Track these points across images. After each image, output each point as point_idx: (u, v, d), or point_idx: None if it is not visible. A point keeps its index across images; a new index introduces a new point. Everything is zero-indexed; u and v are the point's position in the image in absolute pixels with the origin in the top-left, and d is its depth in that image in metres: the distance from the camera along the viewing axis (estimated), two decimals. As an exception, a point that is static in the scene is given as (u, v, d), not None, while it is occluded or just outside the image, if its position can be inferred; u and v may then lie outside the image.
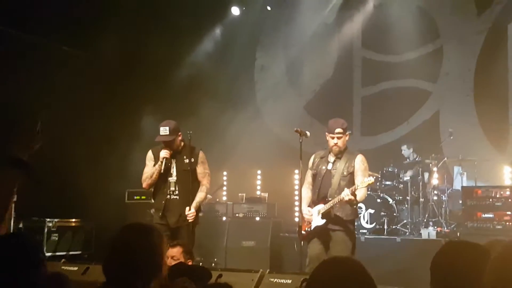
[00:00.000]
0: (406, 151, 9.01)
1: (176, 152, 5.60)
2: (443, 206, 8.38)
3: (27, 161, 2.53)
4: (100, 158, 8.58)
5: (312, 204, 5.46)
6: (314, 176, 5.52)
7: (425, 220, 8.36)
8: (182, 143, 5.67)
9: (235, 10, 10.67)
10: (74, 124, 8.50)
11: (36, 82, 8.21)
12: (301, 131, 5.63)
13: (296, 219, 9.35)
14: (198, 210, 5.60)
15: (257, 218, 8.83)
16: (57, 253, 7.77)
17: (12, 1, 8.00)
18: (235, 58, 10.68)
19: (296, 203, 9.73)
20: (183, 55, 9.90)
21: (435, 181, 8.64)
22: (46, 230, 8.04)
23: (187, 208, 5.47)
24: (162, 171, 5.50)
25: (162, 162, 5.49)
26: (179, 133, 5.60)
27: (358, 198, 5.19)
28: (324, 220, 5.26)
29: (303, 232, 5.47)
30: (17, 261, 2.09)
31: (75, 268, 4.74)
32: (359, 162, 5.34)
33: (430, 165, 8.65)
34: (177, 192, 5.56)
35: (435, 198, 8.54)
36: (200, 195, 5.57)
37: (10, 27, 8.36)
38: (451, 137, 8.52)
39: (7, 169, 2.53)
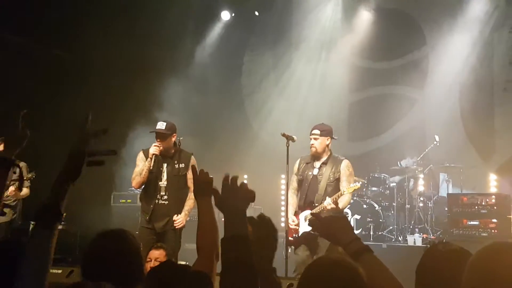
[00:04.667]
0: (408, 161, 8.98)
1: (168, 157, 5.55)
2: (429, 212, 8.44)
3: (12, 159, 2.47)
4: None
5: (299, 209, 5.48)
6: (300, 182, 5.53)
7: (411, 227, 8.41)
8: (174, 149, 5.61)
9: (225, 15, 10.68)
10: (58, 125, 8.42)
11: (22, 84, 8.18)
12: (288, 136, 5.63)
13: (282, 224, 9.32)
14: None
15: (243, 223, 8.79)
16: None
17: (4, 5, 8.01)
18: (223, 62, 10.69)
19: (282, 208, 9.73)
20: (173, 59, 9.86)
21: (421, 187, 8.69)
22: (30, 233, 7.92)
23: (175, 215, 5.41)
24: (151, 167, 5.43)
25: (151, 159, 5.43)
26: (174, 134, 5.55)
27: (341, 205, 5.21)
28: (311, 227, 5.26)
29: (290, 238, 5.46)
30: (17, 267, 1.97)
31: (59, 271, 4.69)
32: (345, 167, 5.38)
33: (416, 171, 8.70)
34: (166, 197, 5.51)
35: (421, 204, 8.60)
36: (189, 203, 5.49)
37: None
38: (437, 144, 8.58)
39: None
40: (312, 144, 5.41)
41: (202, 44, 10.58)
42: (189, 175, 5.50)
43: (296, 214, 5.49)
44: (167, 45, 9.51)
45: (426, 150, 8.80)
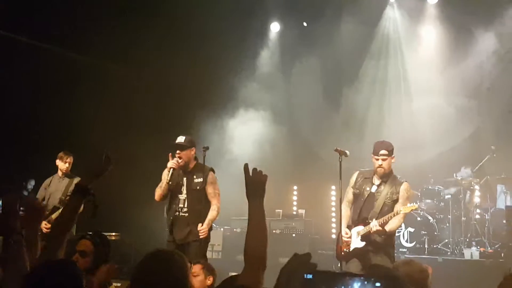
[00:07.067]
0: (464, 172, 8.77)
1: (187, 171, 5.68)
2: (486, 225, 8.17)
3: (90, 189, 2.69)
4: (141, 172, 8.75)
5: (352, 224, 5.41)
6: (356, 196, 5.44)
7: (467, 240, 8.16)
8: (195, 162, 5.73)
9: (275, 27, 10.83)
10: (118, 138, 8.73)
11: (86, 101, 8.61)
12: (340, 151, 5.54)
13: (333, 236, 9.27)
14: (209, 227, 5.59)
15: (294, 235, 8.79)
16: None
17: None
18: (272, 73, 10.78)
19: (333, 219, 9.66)
20: (224, 71, 10.05)
21: (477, 199, 8.45)
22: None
23: (199, 224, 5.48)
24: (168, 181, 5.56)
25: (169, 172, 5.56)
26: (193, 148, 5.69)
27: (389, 228, 5.11)
28: (364, 243, 5.22)
29: (341, 252, 5.41)
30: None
31: (118, 284, 4.80)
32: (404, 190, 5.26)
33: (472, 183, 8.46)
34: (185, 209, 5.63)
35: (478, 217, 8.34)
36: (212, 213, 5.58)
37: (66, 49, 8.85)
38: (494, 155, 8.30)
39: (73, 196, 2.72)
40: (380, 165, 5.23)
41: (253, 56, 10.74)
42: (209, 190, 5.64)
43: (349, 227, 5.41)
44: (217, 57, 9.77)
45: (482, 161, 8.53)
